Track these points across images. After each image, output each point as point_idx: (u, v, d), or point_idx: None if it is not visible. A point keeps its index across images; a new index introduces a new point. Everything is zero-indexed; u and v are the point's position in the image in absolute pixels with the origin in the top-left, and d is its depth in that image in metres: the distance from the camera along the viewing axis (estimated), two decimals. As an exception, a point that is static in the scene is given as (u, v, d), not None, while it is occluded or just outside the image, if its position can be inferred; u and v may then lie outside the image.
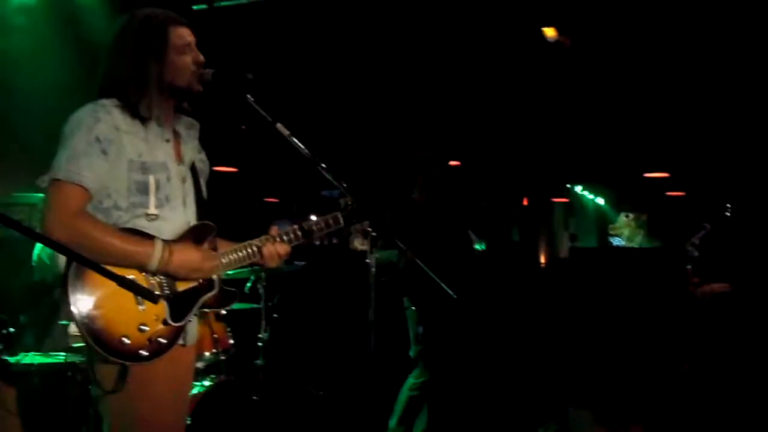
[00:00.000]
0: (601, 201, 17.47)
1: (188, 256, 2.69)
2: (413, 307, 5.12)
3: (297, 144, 2.75)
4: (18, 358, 3.96)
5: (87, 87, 2.79)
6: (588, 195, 17.57)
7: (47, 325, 4.38)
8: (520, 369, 6.40)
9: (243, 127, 6.87)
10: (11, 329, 3.97)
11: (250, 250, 2.92)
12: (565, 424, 5.32)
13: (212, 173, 3.08)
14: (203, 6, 6.04)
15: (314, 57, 7.08)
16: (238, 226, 3.07)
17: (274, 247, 2.97)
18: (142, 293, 2.42)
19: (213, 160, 3.09)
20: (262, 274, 4.89)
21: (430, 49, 7.01)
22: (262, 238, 2.97)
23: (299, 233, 3.02)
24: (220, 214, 2.97)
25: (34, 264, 4.52)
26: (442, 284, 3.14)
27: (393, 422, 5.21)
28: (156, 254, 2.61)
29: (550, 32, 6.35)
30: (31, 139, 5.48)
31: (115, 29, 2.81)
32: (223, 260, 2.87)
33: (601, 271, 8.21)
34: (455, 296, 3.18)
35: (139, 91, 2.71)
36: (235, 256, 2.90)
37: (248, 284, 5.04)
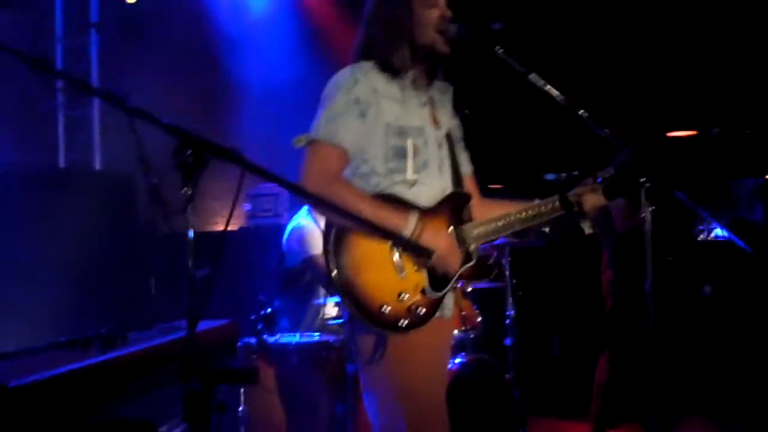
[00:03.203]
0: None
1: (438, 241, 2.57)
2: None
3: (553, 92, 2.56)
4: (276, 338, 4.09)
5: (319, 81, 2.79)
6: None
7: (301, 307, 4.50)
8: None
9: (466, 111, 6.77)
10: (269, 310, 4.10)
11: (533, 212, 2.78)
12: None
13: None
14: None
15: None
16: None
17: (597, 197, 2.80)
18: (418, 250, 2.36)
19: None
20: (507, 250, 4.73)
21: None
22: (577, 189, 2.80)
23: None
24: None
25: (284, 250, 4.65)
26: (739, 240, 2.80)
27: None
28: (408, 228, 2.53)
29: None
30: (271, 131, 5.70)
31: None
32: (481, 229, 2.75)
33: None
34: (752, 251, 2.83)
35: (390, 45, 2.67)
36: (501, 223, 2.76)
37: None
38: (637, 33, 6.82)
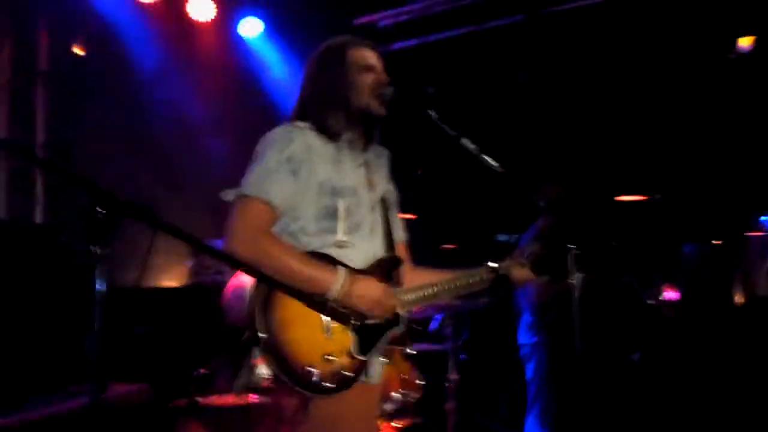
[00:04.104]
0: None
1: (370, 290, 2.57)
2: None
3: (485, 159, 2.58)
4: (210, 398, 3.98)
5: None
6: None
7: (239, 367, 4.39)
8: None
9: (419, 171, 6.83)
10: (204, 371, 4.01)
11: (462, 282, 2.80)
12: None
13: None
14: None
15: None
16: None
17: (525, 272, 2.85)
18: (336, 315, 2.34)
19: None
20: (450, 312, 4.72)
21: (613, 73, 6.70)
22: (505, 263, 2.86)
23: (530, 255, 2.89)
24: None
25: (224, 307, 4.56)
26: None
27: None
28: (337, 282, 2.51)
29: (745, 42, 5.87)
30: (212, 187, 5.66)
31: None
32: (411, 296, 2.74)
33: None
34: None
35: (324, 108, 2.69)
36: (431, 291, 2.77)
37: (433, 324, 4.90)
38: (583, 97, 6.97)
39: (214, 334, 4.72)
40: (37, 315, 4.02)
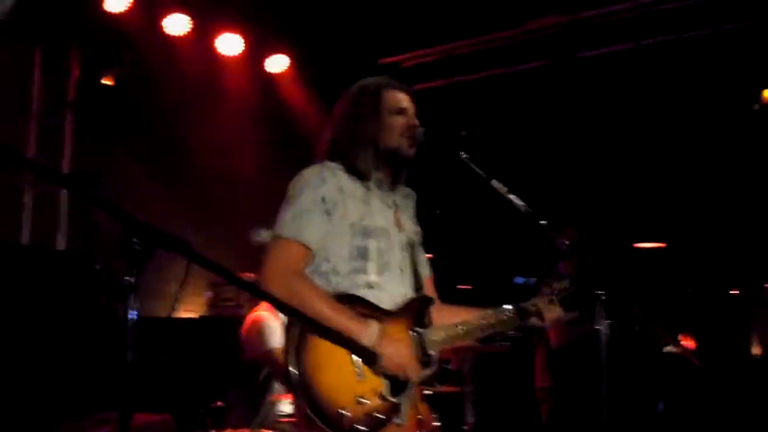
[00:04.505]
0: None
1: (398, 353, 2.56)
2: None
3: (515, 200, 2.58)
4: (226, 434, 3.96)
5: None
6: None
7: (255, 401, 4.37)
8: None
9: (437, 211, 6.84)
10: (220, 404, 3.99)
11: (491, 321, 2.79)
12: None
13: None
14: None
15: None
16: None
17: (555, 310, 2.84)
18: (365, 356, 2.34)
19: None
20: (468, 355, 4.68)
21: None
22: (534, 300, 2.85)
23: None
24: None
25: (242, 341, 4.55)
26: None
27: None
28: (367, 338, 2.51)
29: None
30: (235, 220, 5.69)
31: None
32: (441, 335, 2.73)
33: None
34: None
35: (356, 149, 2.72)
36: (461, 330, 2.77)
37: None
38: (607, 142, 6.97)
39: (231, 367, 4.72)
40: (65, 341, 4.03)
